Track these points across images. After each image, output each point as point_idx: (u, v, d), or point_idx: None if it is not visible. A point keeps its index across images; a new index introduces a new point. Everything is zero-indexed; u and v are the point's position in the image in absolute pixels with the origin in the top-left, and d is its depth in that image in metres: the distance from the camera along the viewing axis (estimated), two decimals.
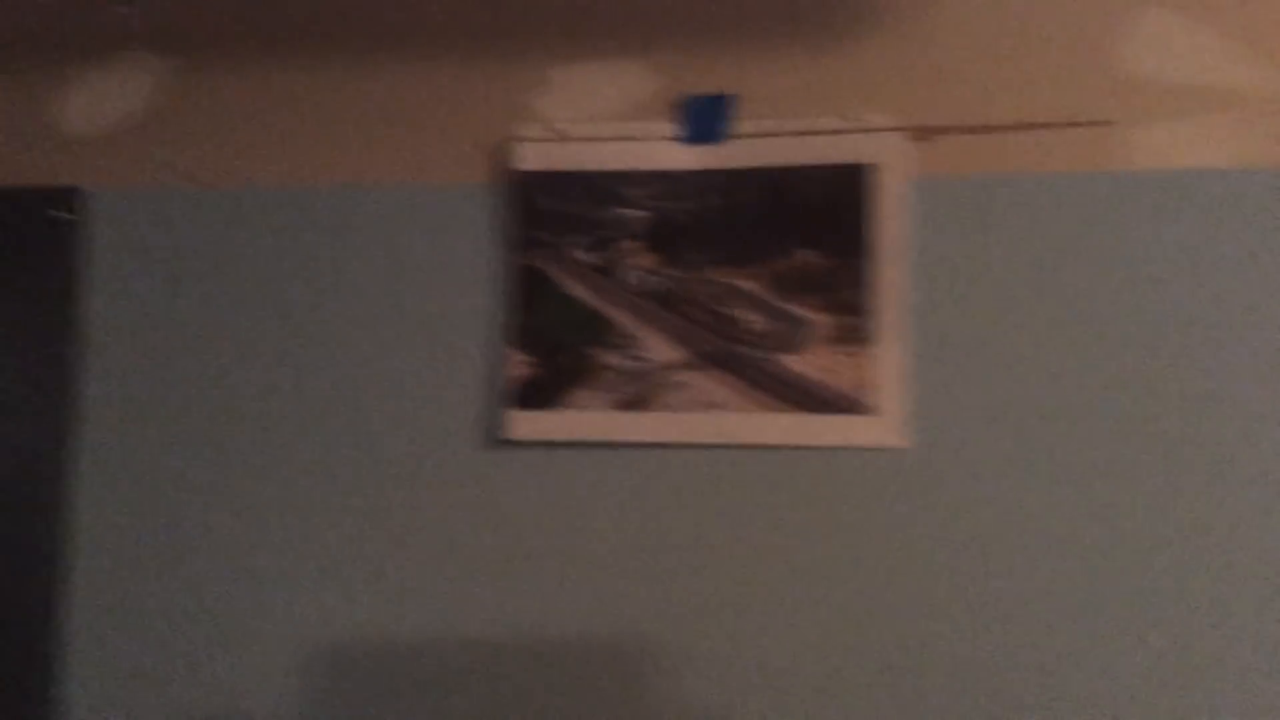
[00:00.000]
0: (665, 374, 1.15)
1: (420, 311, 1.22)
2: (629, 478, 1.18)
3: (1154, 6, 1.14)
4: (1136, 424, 1.11)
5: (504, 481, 1.20)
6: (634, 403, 1.15)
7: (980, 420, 1.14)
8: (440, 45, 1.23)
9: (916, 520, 1.14)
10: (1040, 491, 1.13)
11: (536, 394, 1.18)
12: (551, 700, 1.18)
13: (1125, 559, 1.11)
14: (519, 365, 1.18)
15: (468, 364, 1.20)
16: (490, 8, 1.22)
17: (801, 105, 1.17)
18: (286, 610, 1.23)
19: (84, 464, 1.27)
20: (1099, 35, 1.15)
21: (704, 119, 1.17)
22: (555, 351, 1.16)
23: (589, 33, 1.20)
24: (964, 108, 1.16)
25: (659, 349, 1.15)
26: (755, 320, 1.14)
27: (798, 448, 1.15)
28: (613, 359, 1.16)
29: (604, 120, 1.19)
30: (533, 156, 1.19)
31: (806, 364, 1.14)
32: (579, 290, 1.17)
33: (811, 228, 1.13)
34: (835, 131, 1.15)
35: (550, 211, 1.18)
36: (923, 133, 1.15)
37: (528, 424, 1.18)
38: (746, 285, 1.14)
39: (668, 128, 1.17)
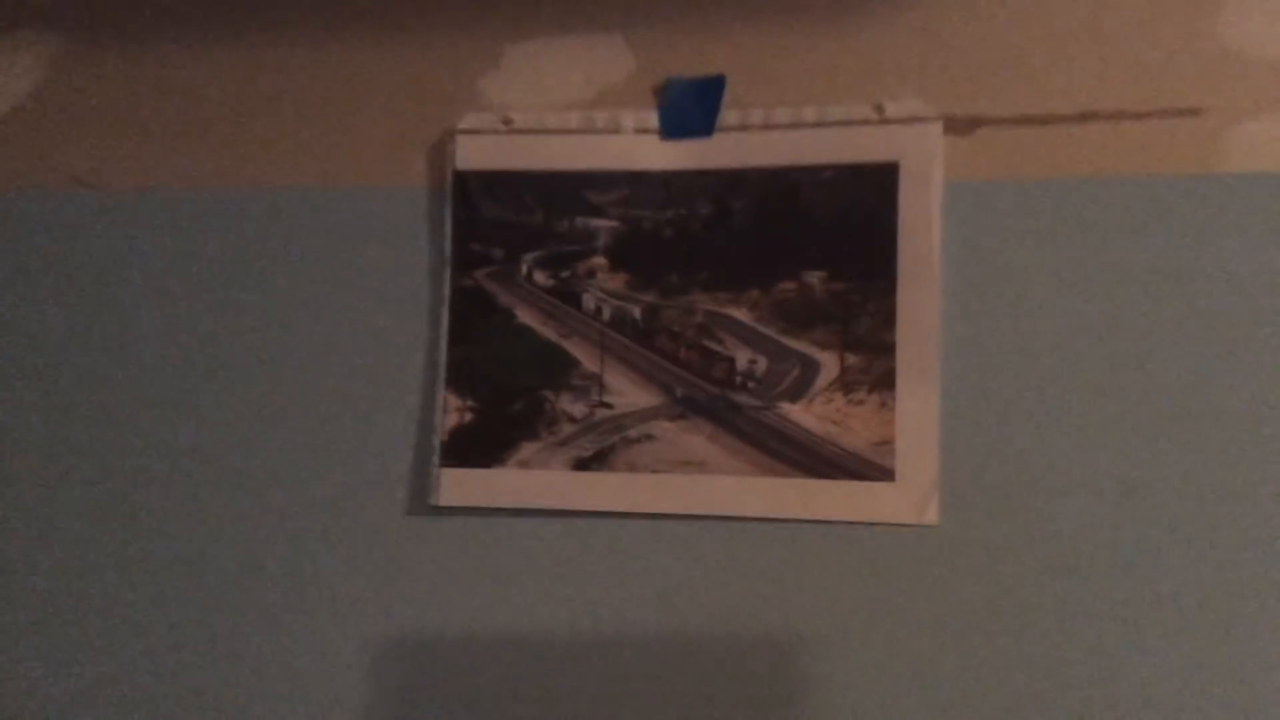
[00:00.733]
0: (636, 425, 1.01)
1: (337, 343, 1.07)
2: (587, 554, 1.02)
3: None
4: (1226, 496, 0.94)
5: (432, 556, 1.04)
6: (596, 460, 1.01)
7: (1032, 491, 0.96)
8: (369, 21, 1.10)
9: (944, 621, 0.96)
10: (1106, 586, 0.95)
11: (475, 448, 1.03)
12: None
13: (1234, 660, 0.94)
14: (455, 411, 1.03)
15: (392, 409, 1.06)
16: None
17: (810, 90, 1.01)
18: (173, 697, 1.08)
19: None
20: (1186, 2, 0.98)
21: (688, 107, 1.03)
22: (500, 395, 1.03)
23: (547, 0, 1.06)
24: (1014, 94, 0.99)
25: (629, 393, 1.01)
26: (750, 358, 0.99)
27: (798, 521, 0.98)
28: (571, 405, 1.01)
29: (565, 109, 1.05)
30: (476, 153, 1.05)
31: (812, 415, 0.98)
32: (531, 318, 1.03)
33: (822, 243, 0.99)
34: (852, 123, 0.99)
35: (497, 221, 1.04)
36: (962, 124, 0.99)
37: (463, 486, 1.03)
38: (740, 314, 1.00)
39: (643, 118, 1.03)
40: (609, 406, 1.01)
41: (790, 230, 1.00)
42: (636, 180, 1.03)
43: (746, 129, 1.02)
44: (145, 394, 1.11)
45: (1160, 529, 0.94)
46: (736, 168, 1.01)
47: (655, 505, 1.00)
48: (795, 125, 1.01)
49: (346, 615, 1.05)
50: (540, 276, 1.04)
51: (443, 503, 1.03)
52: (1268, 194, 0.95)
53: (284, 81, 1.11)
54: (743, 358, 1.00)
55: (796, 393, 0.99)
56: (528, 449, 1.02)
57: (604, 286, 1.03)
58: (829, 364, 0.98)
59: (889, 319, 0.98)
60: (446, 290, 1.05)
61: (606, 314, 1.03)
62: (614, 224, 1.03)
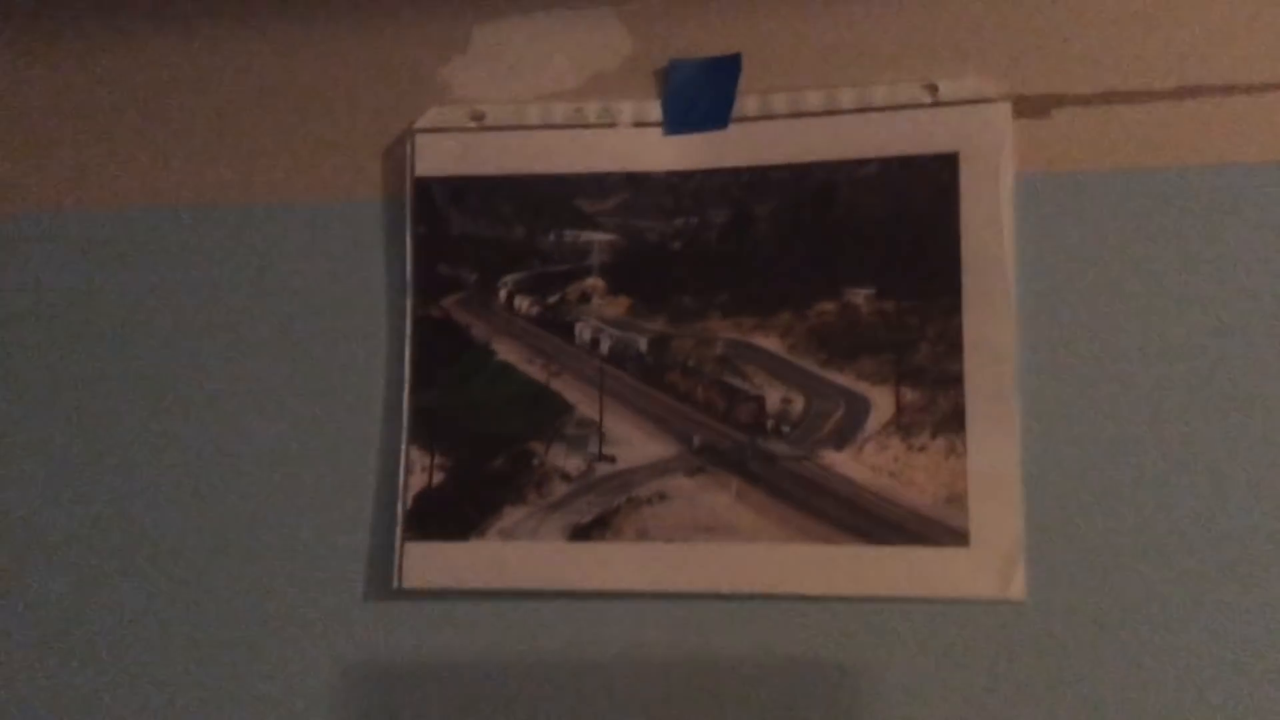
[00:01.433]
0: (645, 482, 0.94)
1: (277, 392, 1.01)
2: (587, 645, 0.93)
3: None
4: None
5: (394, 651, 0.96)
6: (597, 527, 0.93)
7: (1141, 556, 0.86)
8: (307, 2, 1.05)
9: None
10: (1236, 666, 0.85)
11: (447, 516, 0.96)
12: None
13: None
14: (422, 471, 0.97)
15: (344, 470, 0.99)
16: None
17: (845, 69, 0.96)
18: None
19: None
20: None
21: (698, 94, 0.98)
22: (477, 449, 0.96)
23: None
24: (1096, 67, 0.91)
25: (635, 443, 0.95)
26: (783, 397, 0.93)
27: (850, 600, 0.89)
28: (564, 459, 0.95)
29: (548, 99, 1.00)
30: (441, 156, 1.00)
31: (863, 465, 0.90)
32: (513, 354, 0.97)
33: (867, 253, 0.93)
34: (900, 107, 0.94)
35: (469, 237, 0.99)
36: (1035, 105, 0.92)
37: (432, 563, 0.96)
38: (769, 344, 0.94)
39: (644, 109, 0.98)
40: (611, 460, 0.95)
41: (827, 239, 0.94)
42: (637, 183, 0.98)
43: (769, 118, 0.96)
44: (45, 449, 1.04)
45: None
46: (758, 165, 0.96)
47: (671, 582, 0.92)
48: (829, 112, 0.95)
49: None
50: (523, 303, 0.98)
51: (408, 584, 0.95)
52: None
53: (206, 79, 1.07)
54: (774, 396, 0.93)
55: (842, 438, 0.91)
56: (512, 515, 0.95)
57: (601, 313, 0.97)
58: (881, 402, 0.91)
59: (954, 345, 0.90)
60: (408, 322, 0.99)
61: (605, 347, 0.96)
62: (611, 237, 0.98)
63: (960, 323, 0.90)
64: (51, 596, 1.01)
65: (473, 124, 0.99)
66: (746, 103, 0.96)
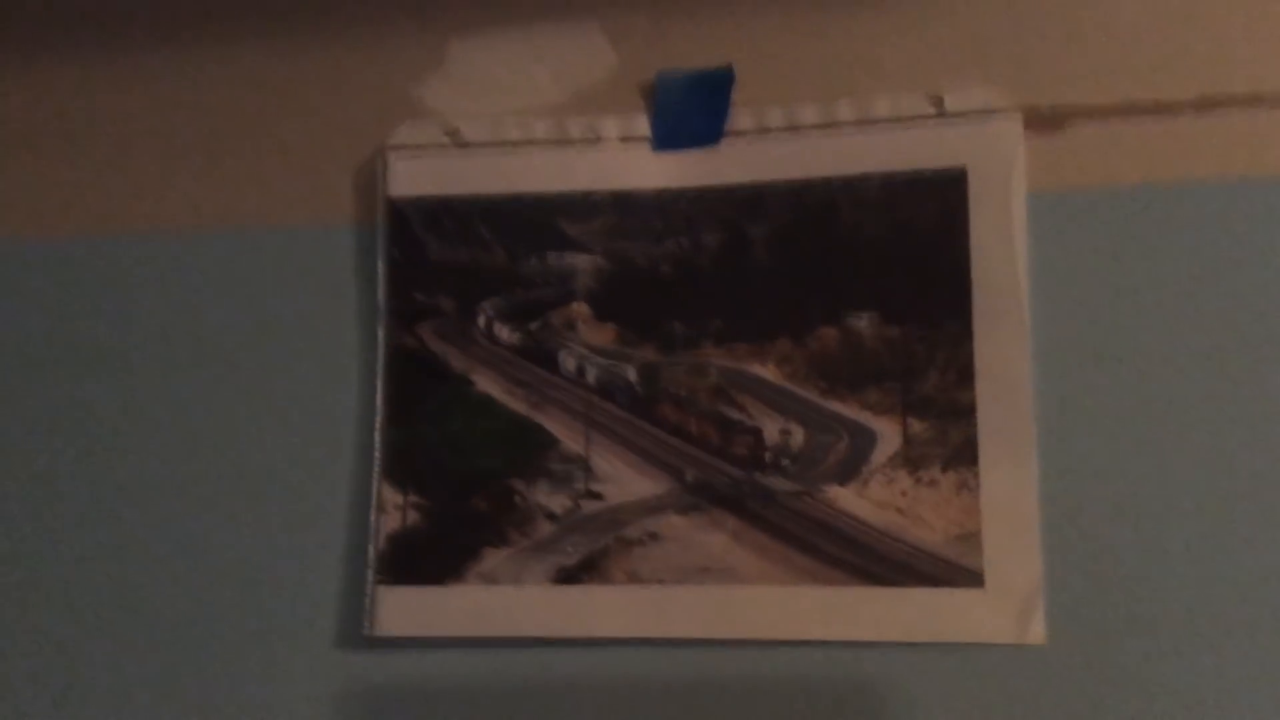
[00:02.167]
0: (635, 521, 0.91)
1: (242, 427, 0.99)
2: (575, 696, 0.90)
3: None
4: None
5: (367, 704, 0.93)
6: (584, 570, 0.91)
7: (1172, 596, 0.84)
8: (274, 15, 1.03)
9: None
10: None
11: (423, 558, 0.93)
12: None
13: None
14: (396, 511, 0.94)
15: (313, 510, 0.96)
16: None
17: (845, 80, 0.94)
18: None
19: None
20: None
21: (688, 109, 0.96)
22: (455, 487, 0.94)
23: None
24: (1114, 77, 0.89)
25: (624, 480, 0.93)
26: (782, 429, 0.91)
27: (855, 645, 0.87)
28: (549, 497, 0.93)
29: (529, 116, 0.98)
30: (415, 176, 0.99)
31: (869, 501, 0.88)
32: (493, 385, 0.96)
33: (870, 276, 0.91)
34: (903, 120, 0.92)
35: (445, 262, 0.98)
36: (1048, 117, 0.90)
37: (407, 609, 0.93)
38: (766, 372, 0.92)
39: (630, 124, 0.97)
40: (599, 497, 0.93)
41: (827, 261, 0.92)
42: (624, 203, 0.96)
43: (764, 133, 0.95)
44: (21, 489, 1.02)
45: None
46: (753, 183, 0.95)
47: (663, 628, 0.89)
48: (828, 125, 0.93)
49: None
50: (503, 331, 0.96)
51: (380, 632, 0.92)
52: None
53: (164, 97, 1.05)
54: (772, 429, 0.91)
55: (846, 472, 0.89)
56: (493, 558, 0.92)
57: (587, 341, 0.95)
58: (887, 433, 0.89)
59: (964, 372, 0.88)
60: (381, 352, 0.97)
61: (591, 377, 0.95)
62: (596, 260, 0.96)
63: (970, 349, 0.87)
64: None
65: (448, 141, 0.97)
66: (740, 117, 0.94)
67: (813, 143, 0.93)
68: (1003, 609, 0.84)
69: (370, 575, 0.92)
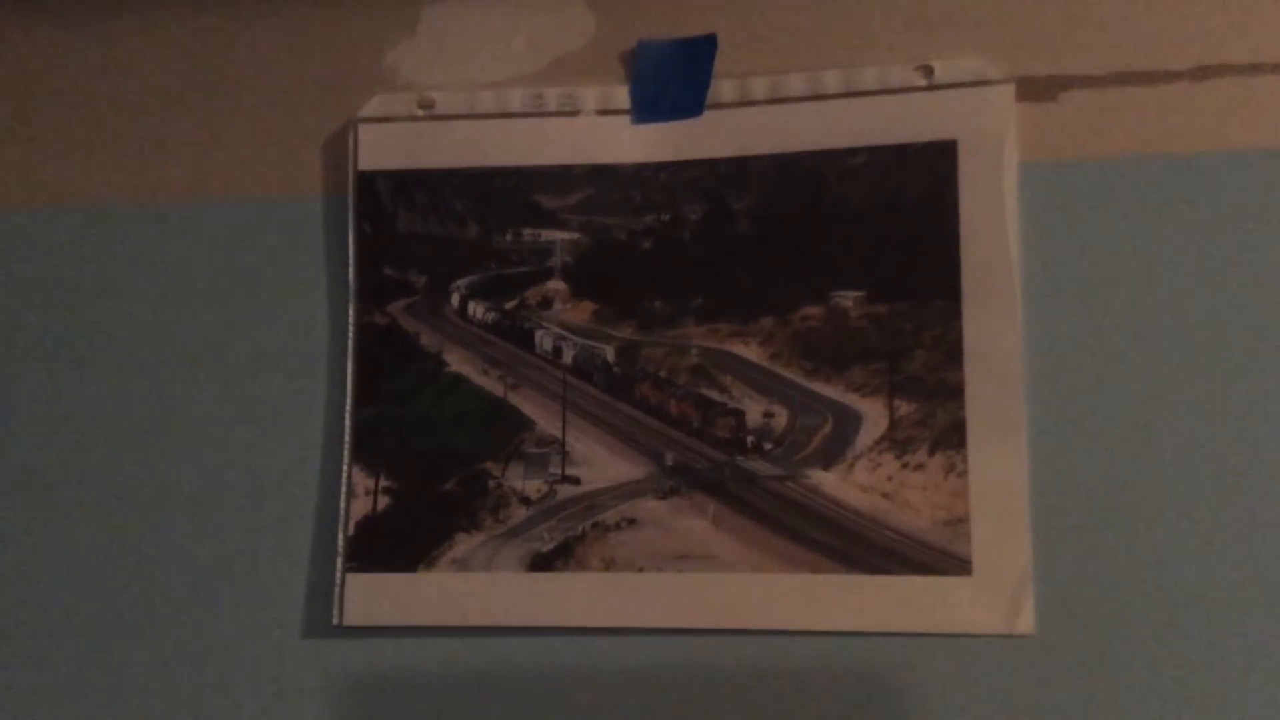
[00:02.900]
0: (613, 506, 0.90)
1: (205, 407, 0.97)
2: (549, 686, 0.89)
3: None
4: None
5: (335, 695, 0.91)
6: (560, 556, 0.90)
7: (1165, 584, 0.83)
8: None
9: None
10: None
11: (393, 545, 0.92)
12: None
13: None
14: (365, 495, 0.93)
15: (279, 494, 0.95)
16: None
17: (831, 50, 0.93)
18: None
19: None
20: None
21: (669, 79, 0.95)
22: (427, 470, 0.93)
23: None
24: (1108, 45, 0.89)
25: (601, 463, 0.92)
26: (765, 411, 0.90)
27: (840, 634, 0.86)
28: (523, 481, 0.92)
29: (503, 86, 0.97)
30: (386, 148, 0.98)
31: (854, 485, 0.87)
32: (466, 365, 0.95)
33: (856, 252, 0.90)
34: (891, 90, 0.91)
35: (417, 236, 0.97)
36: (1040, 87, 0.89)
37: (377, 597, 0.92)
38: (748, 352, 0.91)
39: (609, 95, 0.96)
40: (575, 482, 0.92)
41: (812, 237, 0.91)
42: (602, 176, 0.95)
43: (747, 104, 0.94)
44: None
45: None
46: (736, 156, 0.94)
47: (643, 617, 0.88)
48: (813, 97, 0.92)
49: None
50: (477, 309, 0.96)
51: (350, 621, 0.91)
52: None
53: (126, 64, 1.03)
54: (755, 410, 0.90)
55: (830, 456, 0.88)
56: (465, 543, 0.91)
57: (563, 320, 0.94)
58: (873, 415, 0.88)
59: (953, 352, 0.87)
60: (350, 330, 0.96)
61: (568, 357, 0.94)
62: (574, 236, 0.95)
63: (960, 327, 0.86)
64: None
65: (421, 113, 0.96)
66: (722, 87, 0.93)
67: (798, 114, 0.92)
68: (991, 597, 0.83)
69: (339, 563, 0.91)
